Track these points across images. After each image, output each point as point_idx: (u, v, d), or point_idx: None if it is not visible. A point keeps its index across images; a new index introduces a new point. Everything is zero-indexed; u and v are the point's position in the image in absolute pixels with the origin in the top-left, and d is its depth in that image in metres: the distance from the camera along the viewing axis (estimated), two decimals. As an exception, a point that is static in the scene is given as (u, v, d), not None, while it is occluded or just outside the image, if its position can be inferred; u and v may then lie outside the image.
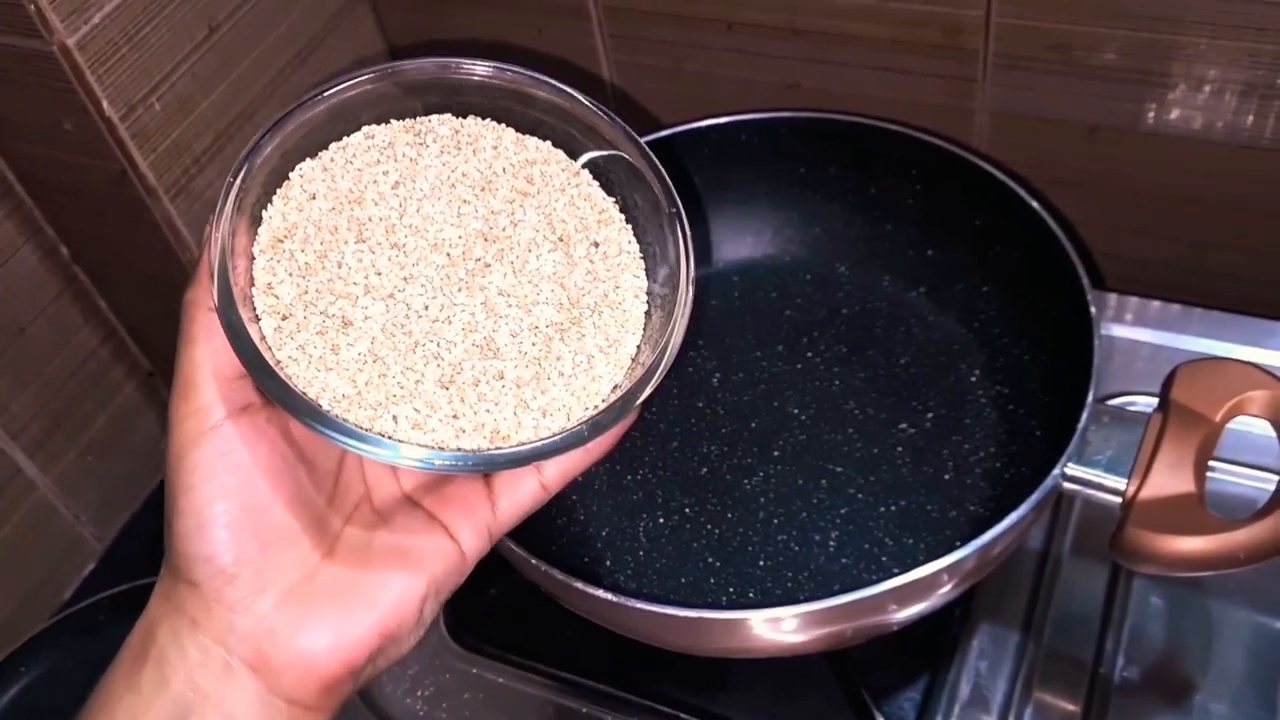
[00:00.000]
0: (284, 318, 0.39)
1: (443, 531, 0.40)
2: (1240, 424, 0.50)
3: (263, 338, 0.39)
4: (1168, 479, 0.47)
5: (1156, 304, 0.70)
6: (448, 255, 0.42)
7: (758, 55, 0.75)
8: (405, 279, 0.41)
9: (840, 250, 0.69)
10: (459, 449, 0.39)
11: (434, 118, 0.46)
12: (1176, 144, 0.67)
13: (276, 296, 0.40)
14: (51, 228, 0.75)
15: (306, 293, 0.40)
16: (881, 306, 0.67)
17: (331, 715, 0.37)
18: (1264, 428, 0.59)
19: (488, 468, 0.40)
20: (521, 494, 0.42)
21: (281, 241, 0.41)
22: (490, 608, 0.62)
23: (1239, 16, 0.60)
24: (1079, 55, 0.66)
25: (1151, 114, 0.67)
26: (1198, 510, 0.46)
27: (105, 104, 0.64)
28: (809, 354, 0.66)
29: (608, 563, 0.57)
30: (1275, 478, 0.59)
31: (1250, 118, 0.65)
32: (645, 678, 0.59)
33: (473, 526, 0.41)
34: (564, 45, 0.79)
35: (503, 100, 0.46)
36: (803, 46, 0.73)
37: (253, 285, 0.40)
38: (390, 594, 0.37)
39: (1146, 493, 0.47)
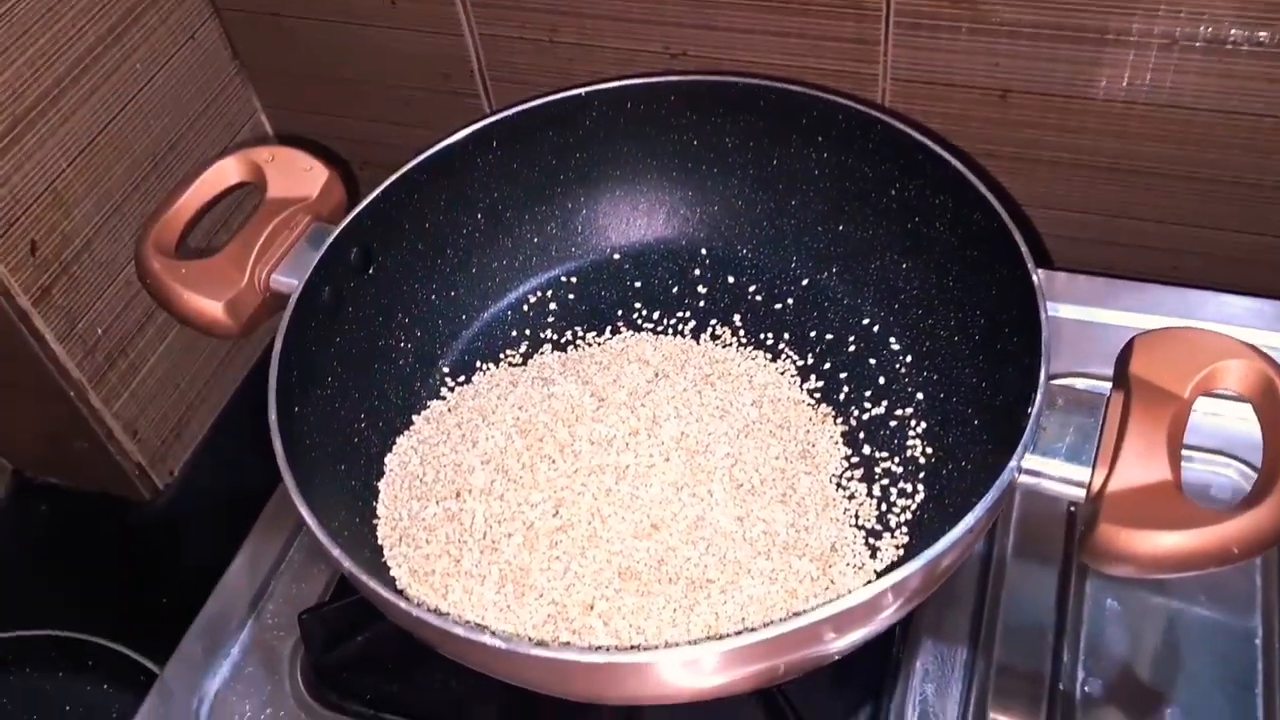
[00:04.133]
0: None
1: None
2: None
3: None
4: (1139, 466, 0.41)
5: (1083, 278, 0.65)
6: None
7: (638, 21, 0.67)
8: None
9: (741, 230, 0.62)
10: None
11: None
12: (1095, 106, 0.63)
13: None
14: None
15: None
16: (790, 290, 0.60)
17: None
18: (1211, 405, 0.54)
19: None
20: None
21: None
22: (357, 658, 0.53)
23: (1162, -43, 0.55)
24: (987, 9, 0.60)
25: (1067, 74, 0.62)
26: (1177, 500, 0.40)
27: None
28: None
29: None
30: (1231, 461, 0.55)
31: (1171, 75, 0.60)
32: (544, 731, 0.51)
33: None
34: (421, 16, 0.70)
35: None
36: (687, 10, 0.66)
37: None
38: None
39: (1116, 483, 0.41)
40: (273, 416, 0.47)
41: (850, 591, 0.47)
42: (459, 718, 0.51)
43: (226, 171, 0.57)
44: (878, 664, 0.50)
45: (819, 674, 0.48)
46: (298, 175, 0.57)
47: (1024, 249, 0.48)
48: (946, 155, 0.53)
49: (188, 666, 0.55)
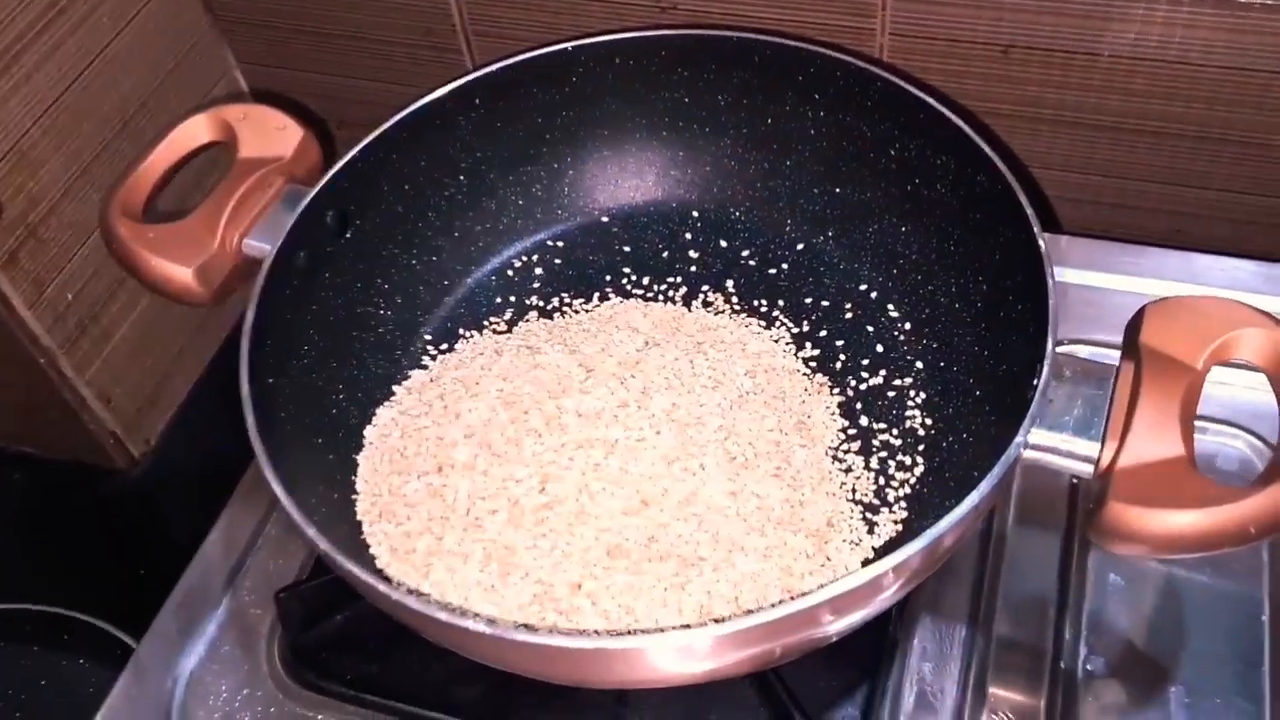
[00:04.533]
0: None
1: None
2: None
3: None
4: (1150, 441, 0.39)
5: (1087, 242, 0.63)
6: None
7: (627, -27, 0.65)
8: None
9: (734, 192, 0.60)
10: None
11: None
12: (1100, 63, 0.60)
13: None
14: None
15: None
16: (785, 255, 0.58)
17: None
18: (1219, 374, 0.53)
19: None
20: None
21: None
22: (337, 639, 0.51)
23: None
24: (992, -41, 0.58)
25: (1073, 29, 0.59)
26: (1190, 477, 0.38)
27: None
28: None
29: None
30: (1240, 432, 0.54)
31: (1180, 30, 0.58)
32: (531, 714, 0.49)
33: None
34: (399, -32, 0.67)
35: None
36: (678, -39, 0.63)
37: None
38: None
39: (1126, 459, 0.39)
40: (245, 389, 0.45)
41: (847, 568, 0.46)
42: (442, 699, 0.50)
43: (196, 130, 0.55)
44: (874, 643, 0.49)
45: (814, 654, 0.47)
46: (271, 134, 0.54)
47: (1029, 211, 0.46)
48: (949, 114, 0.50)
49: (162, 645, 0.54)
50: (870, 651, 0.49)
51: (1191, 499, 0.37)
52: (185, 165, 0.56)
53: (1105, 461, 0.40)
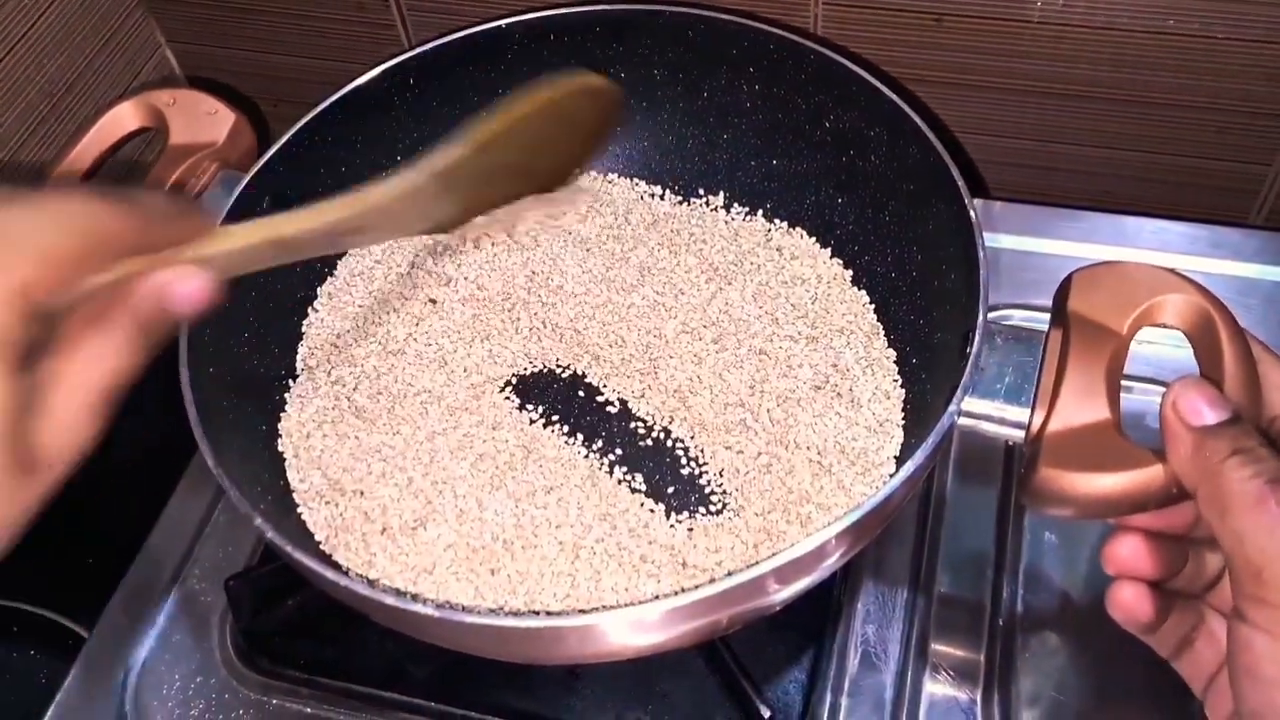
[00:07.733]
0: None
1: None
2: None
3: None
4: (1078, 407, 0.40)
5: (1019, 207, 0.64)
6: None
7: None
8: None
9: (672, 166, 0.60)
10: None
11: None
12: (1030, 29, 0.61)
13: None
14: None
15: None
16: (722, 228, 0.58)
17: None
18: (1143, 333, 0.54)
19: None
20: None
21: None
22: (288, 623, 0.52)
23: None
24: (921, -75, 0.58)
25: (1002, -5, 0.60)
26: (1116, 440, 0.39)
27: None
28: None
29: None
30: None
31: (1107, -6, 0.59)
32: (485, 689, 0.50)
33: None
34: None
35: None
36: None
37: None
38: None
39: (1055, 425, 0.40)
40: (185, 377, 0.44)
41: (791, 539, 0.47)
42: (396, 680, 0.50)
43: (123, 118, 0.54)
44: (819, 608, 0.50)
45: (762, 624, 0.48)
46: (202, 119, 0.54)
47: (961, 184, 0.47)
48: (881, 86, 0.51)
49: (113, 636, 0.54)
50: (815, 616, 0.50)
51: (1119, 462, 0.38)
52: (116, 152, 0.55)
53: (1035, 428, 0.41)
